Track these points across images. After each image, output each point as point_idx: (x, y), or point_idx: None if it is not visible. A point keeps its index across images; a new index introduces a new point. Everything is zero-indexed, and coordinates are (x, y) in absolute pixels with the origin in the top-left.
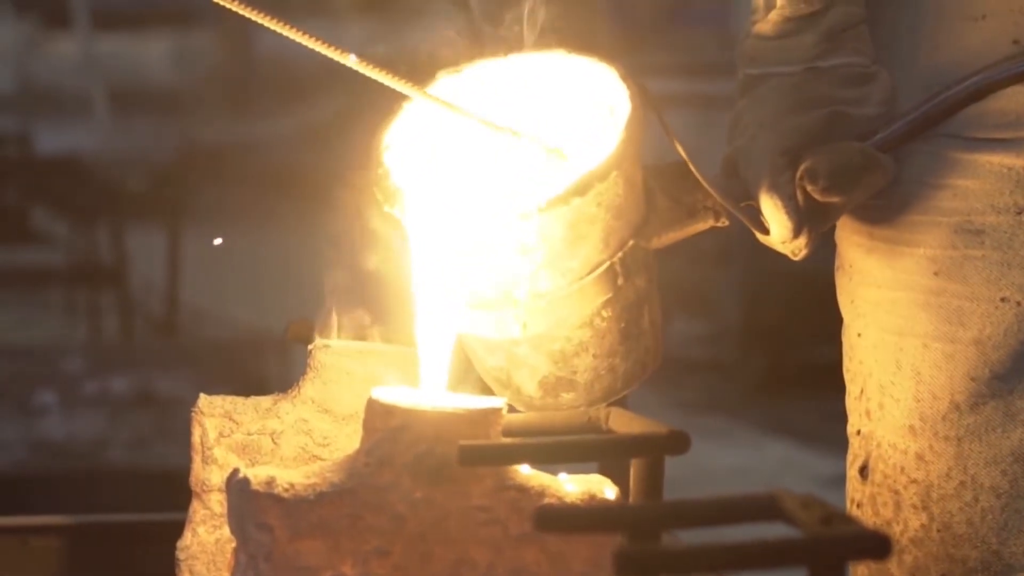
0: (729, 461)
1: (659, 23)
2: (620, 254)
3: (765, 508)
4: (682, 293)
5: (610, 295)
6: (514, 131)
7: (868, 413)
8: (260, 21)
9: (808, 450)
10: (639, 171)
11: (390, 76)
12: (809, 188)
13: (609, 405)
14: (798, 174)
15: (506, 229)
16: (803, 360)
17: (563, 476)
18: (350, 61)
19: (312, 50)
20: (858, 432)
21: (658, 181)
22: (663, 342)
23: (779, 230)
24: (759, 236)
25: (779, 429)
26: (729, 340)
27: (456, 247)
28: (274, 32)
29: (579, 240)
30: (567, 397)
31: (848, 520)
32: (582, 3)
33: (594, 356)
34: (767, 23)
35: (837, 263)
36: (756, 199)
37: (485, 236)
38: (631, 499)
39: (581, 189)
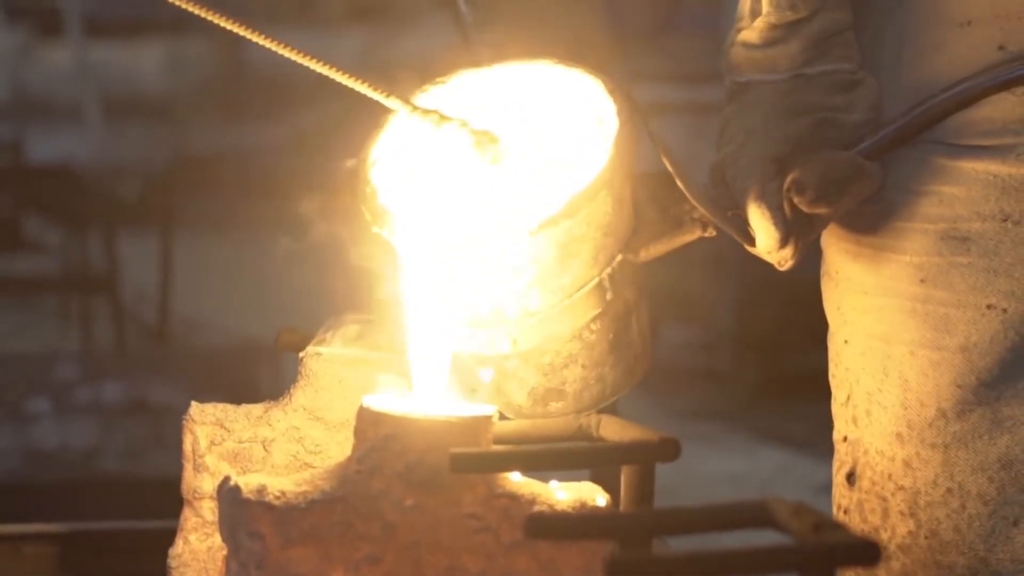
0: (723, 468)
1: (652, 30)
2: (609, 269)
3: (756, 515)
4: (675, 301)
5: (599, 310)
6: (441, 115)
7: (855, 420)
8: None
9: (802, 457)
10: (628, 186)
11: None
12: (796, 200)
13: (600, 412)
14: (785, 185)
15: (497, 251)
16: (797, 367)
17: (554, 483)
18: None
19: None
20: (844, 438)
21: (646, 192)
22: (652, 349)
23: (766, 240)
24: (745, 246)
25: (773, 436)
26: (722, 347)
27: (446, 267)
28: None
29: (569, 259)
30: (556, 406)
31: (838, 527)
32: (576, 10)
33: (583, 367)
34: (753, 30)
35: (823, 269)
36: (743, 208)
37: (476, 257)
38: (622, 506)
39: (571, 211)
